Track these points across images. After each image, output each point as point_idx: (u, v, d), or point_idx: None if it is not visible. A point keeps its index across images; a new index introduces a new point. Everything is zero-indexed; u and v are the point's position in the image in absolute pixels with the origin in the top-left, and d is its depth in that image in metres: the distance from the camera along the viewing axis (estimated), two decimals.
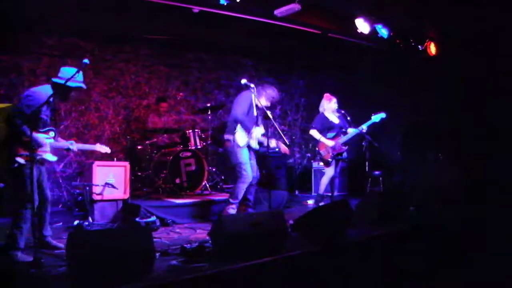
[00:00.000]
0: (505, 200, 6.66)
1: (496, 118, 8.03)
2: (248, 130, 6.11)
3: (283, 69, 10.98)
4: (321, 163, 7.84)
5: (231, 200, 6.15)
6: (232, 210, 6.10)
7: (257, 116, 6.27)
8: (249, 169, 6.12)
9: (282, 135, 5.74)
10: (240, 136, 6.12)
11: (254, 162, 6.37)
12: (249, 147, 6.21)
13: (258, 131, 6.26)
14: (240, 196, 6.14)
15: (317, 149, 7.47)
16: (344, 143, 7.33)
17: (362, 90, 9.39)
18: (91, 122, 8.53)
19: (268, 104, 6.29)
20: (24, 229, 4.43)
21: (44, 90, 4.65)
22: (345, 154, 7.43)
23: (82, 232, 5.04)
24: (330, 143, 7.26)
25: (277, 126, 5.68)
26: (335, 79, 10.36)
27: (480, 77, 8.24)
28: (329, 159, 7.28)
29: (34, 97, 4.54)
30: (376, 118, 7.27)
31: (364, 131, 7.27)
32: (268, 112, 5.59)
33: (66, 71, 4.86)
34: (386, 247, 5.14)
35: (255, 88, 6.04)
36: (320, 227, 4.83)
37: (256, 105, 6.19)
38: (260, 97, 6.18)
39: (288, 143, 6.17)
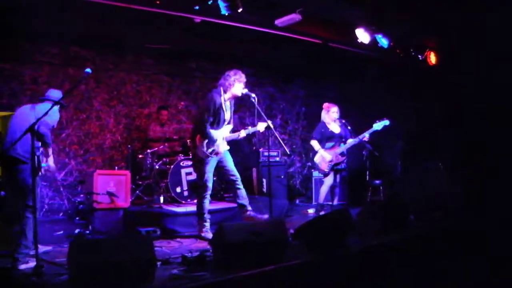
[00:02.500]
0: (505, 208, 6.67)
1: (496, 127, 8.04)
2: (210, 137, 5.79)
3: (284, 78, 11.02)
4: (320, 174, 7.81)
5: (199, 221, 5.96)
6: (206, 233, 5.85)
7: (228, 115, 5.95)
8: (209, 180, 5.85)
9: (283, 144, 5.72)
10: (201, 146, 5.81)
11: (229, 164, 5.95)
12: (217, 153, 5.85)
13: (225, 131, 5.94)
14: (206, 212, 5.92)
15: (314, 160, 7.41)
16: (342, 153, 7.29)
17: (362, 99, 9.41)
18: (92, 131, 8.56)
19: (243, 86, 5.84)
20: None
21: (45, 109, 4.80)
22: (343, 164, 7.37)
23: (83, 241, 5.05)
24: (327, 156, 7.22)
25: (277, 135, 5.68)
26: (335, 88, 10.39)
27: (480, 86, 8.27)
28: (326, 170, 7.25)
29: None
30: (378, 126, 7.21)
31: (366, 139, 7.24)
32: (269, 122, 5.58)
33: (54, 92, 5.28)
34: (387, 256, 5.14)
35: (221, 86, 5.87)
36: (321, 236, 4.84)
37: (224, 103, 5.86)
38: (230, 89, 5.84)
39: (288, 152, 6.13)
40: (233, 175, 5.95)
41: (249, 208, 5.96)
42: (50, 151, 5.12)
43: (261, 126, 5.90)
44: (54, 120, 5.04)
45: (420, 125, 9.02)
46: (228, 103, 5.96)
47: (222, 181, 6.03)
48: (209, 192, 5.89)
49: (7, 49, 7.53)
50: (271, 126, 5.59)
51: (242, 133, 5.96)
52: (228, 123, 6.00)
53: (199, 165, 5.89)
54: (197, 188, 6.11)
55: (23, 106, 5.25)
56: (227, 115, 5.94)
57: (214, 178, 8.16)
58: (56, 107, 5.08)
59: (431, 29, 8.34)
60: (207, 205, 5.93)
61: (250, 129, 5.99)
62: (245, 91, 5.81)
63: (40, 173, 4.88)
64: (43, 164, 5.03)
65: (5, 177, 5.03)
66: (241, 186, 5.97)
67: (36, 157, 4.76)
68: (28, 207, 4.66)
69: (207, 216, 5.92)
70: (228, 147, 5.94)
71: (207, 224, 5.89)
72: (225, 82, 5.84)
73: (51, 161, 5.20)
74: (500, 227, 6.07)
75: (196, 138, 5.89)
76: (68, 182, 8.18)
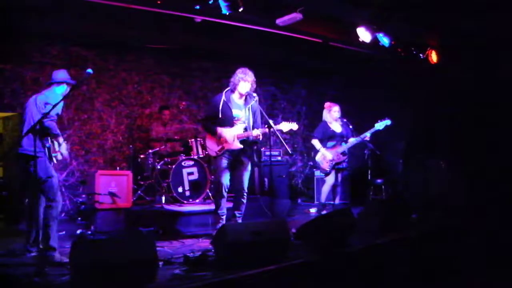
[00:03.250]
0: (506, 207, 6.66)
1: (498, 126, 8.03)
2: (218, 135, 5.71)
3: (285, 78, 11.01)
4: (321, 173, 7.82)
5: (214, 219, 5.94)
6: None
7: (241, 113, 5.82)
8: (223, 178, 5.73)
9: (284, 143, 5.68)
10: (210, 145, 5.82)
11: (245, 174, 5.83)
12: (230, 151, 5.76)
13: (237, 129, 5.77)
14: (220, 209, 5.80)
15: (316, 158, 7.40)
16: (343, 153, 7.28)
17: (364, 98, 9.41)
18: (93, 131, 8.55)
19: (250, 88, 5.74)
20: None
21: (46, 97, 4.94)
22: (344, 164, 7.36)
23: (85, 241, 5.05)
24: (328, 155, 7.21)
25: (279, 135, 5.65)
26: (337, 88, 10.40)
27: (481, 84, 8.26)
28: (327, 169, 7.25)
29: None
30: (379, 125, 7.19)
31: (368, 139, 7.22)
32: (271, 121, 5.55)
33: (59, 73, 5.19)
34: (389, 255, 5.13)
35: (230, 84, 5.79)
36: (323, 235, 4.84)
37: (230, 103, 5.76)
38: (237, 87, 5.75)
39: (290, 152, 6.10)
40: (242, 187, 5.83)
41: (239, 221, 5.88)
42: (60, 139, 5.03)
43: (284, 126, 5.71)
44: (58, 108, 4.85)
45: (422, 124, 9.01)
46: (241, 101, 5.83)
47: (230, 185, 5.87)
48: (225, 190, 5.75)
49: (8, 50, 7.53)
50: (273, 125, 5.53)
51: (256, 132, 5.73)
52: (244, 122, 5.81)
53: (213, 164, 5.86)
54: (214, 187, 6.03)
55: (29, 99, 5.17)
56: (240, 113, 5.80)
57: None
58: (61, 90, 5.04)
59: (432, 28, 8.32)
60: (224, 203, 5.81)
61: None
62: (248, 89, 5.77)
63: (52, 162, 4.90)
64: (53, 154, 4.99)
65: (20, 175, 5.09)
66: (245, 200, 5.86)
67: (46, 148, 4.81)
68: (50, 201, 4.77)
69: (222, 213, 5.81)
70: (241, 146, 5.73)
71: (222, 222, 5.77)
72: (233, 81, 5.78)
73: (63, 148, 5.09)
74: (502, 226, 6.06)
75: (206, 138, 5.88)
76: (69, 182, 8.18)
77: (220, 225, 5.73)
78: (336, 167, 7.24)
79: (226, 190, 5.77)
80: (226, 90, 5.83)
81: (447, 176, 8.13)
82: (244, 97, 5.84)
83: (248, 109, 5.85)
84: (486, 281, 4.81)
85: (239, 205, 5.86)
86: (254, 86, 5.80)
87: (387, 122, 7.21)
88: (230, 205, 6.08)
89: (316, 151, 7.34)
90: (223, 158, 5.74)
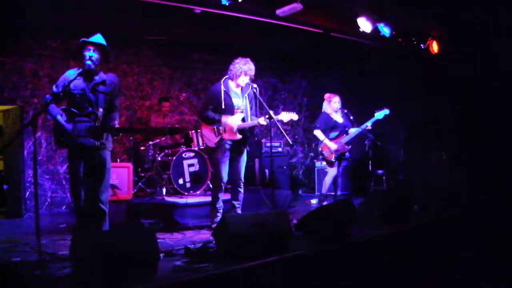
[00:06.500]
0: (509, 197, 6.65)
1: (499, 116, 8.00)
2: (217, 126, 5.70)
3: (286, 69, 10.99)
4: (324, 163, 7.81)
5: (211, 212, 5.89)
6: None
7: (240, 102, 5.79)
8: (222, 171, 5.70)
9: (285, 134, 5.67)
10: (208, 135, 5.81)
11: (241, 164, 5.83)
12: (230, 142, 5.74)
13: (235, 120, 5.70)
14: (218, 203, 5.78)
15: (319, 149, 7.41)
16: (347, 143, 7.28)
17: (364, 89, 9.37)
18: None
19: (248, 79, 5.70)
20: None
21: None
22: (348, 154, 7.38)
23: (86, 233, 5.05)
24: (333, 145, 7.21)
25: (279, 126, 5.63)
26: (337, 78, 10.35)
27: (482, 74, 8.22)
28: (333, 160, 7.25)
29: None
30: (379, 115, 7.22)
31: (369, 128, 7.23)
32: (271, 112, 5.53)
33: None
34: (390, 246, 5.13)
35: (229, 72, 5.73)
36: (324, 226, 4.84)
37: (229, 92, 5.73)
38: (236, 78, 5.70)
39: (291, 143, 6.09)
40: (239, 177, 5.83)
41: (239, 211, 5.87)
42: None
43: (284, 116, 5.70)
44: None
45: (423, 114, 8.98)
46: (238, 89, 5.80)
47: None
48: (222, 183, 5.72)
49: (7, 43, 7.51)
50: (273, 116, 5.52)
51: (261, 121, 5.64)
52: (242, 111, 5.77)
53: (210, 154, 5.84)
54: (212, 180, 6.01)
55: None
56: (239, 102, 5.77)
57: None
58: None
59: (433, 18, 8.27)
60: (221, 195, 5.78)
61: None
62: (247, 81, 5.74)
63: None
64: None
65: None
66: (242, 190, 5.86)
67: None
68: None
69: (219, 207, 5.80)
70: (240, 136, 5.69)
71: (219, 215, 5.76)
72: (233, 70, 5.71)
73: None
74: (503, 217, 6.06)
75: (203, 128, 5.86)
76: None
77: (216, 219, 5.72)
78: (340, 158, 7.26)
79: (225, 183, 5.76)
80: (224, 78, 5.80)
81: (449, 167, 8.11)
82: (241, 86, 5.83)
83: (245, 98, 5.84)
84: (486, 275, 4.80)
85: (236, 195, 5.85)
86: (253, 77, 5.78)
87: (386, 111, 7.23)
88: (228, 196, 6.09)
89: (319, 142, 7.34)
90: (223, 149, 5.72)
